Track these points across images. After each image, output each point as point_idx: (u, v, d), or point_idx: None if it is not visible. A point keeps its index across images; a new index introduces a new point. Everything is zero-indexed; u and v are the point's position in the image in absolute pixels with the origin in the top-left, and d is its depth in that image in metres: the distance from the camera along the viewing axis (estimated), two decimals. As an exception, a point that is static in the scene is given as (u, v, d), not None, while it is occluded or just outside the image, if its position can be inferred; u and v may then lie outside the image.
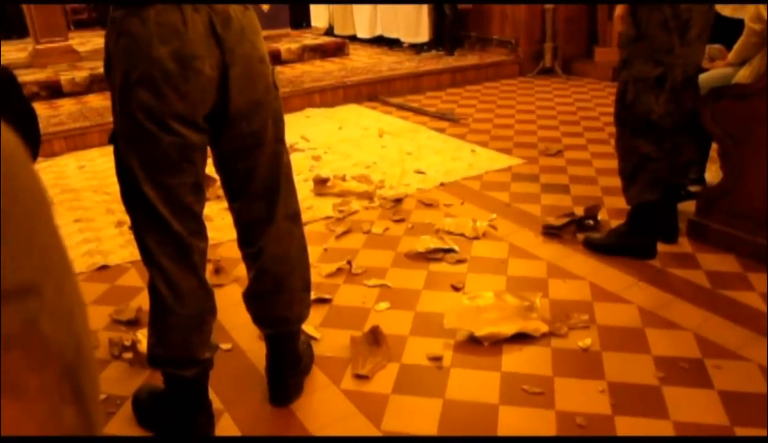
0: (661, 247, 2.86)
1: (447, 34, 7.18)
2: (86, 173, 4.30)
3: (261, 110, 1.76)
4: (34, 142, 1.44)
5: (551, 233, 3.08)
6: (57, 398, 0.32)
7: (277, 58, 7.00)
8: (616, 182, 3.08)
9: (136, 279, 2.84)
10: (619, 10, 2.75)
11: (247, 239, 1.95)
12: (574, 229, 3.09)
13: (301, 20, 9.14)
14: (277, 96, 1.82)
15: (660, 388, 2.03)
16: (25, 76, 5.75)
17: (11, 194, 0.31)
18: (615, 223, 3.07)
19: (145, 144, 1.67)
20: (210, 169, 1.89)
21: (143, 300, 2.54)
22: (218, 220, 3.32)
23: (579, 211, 3.24)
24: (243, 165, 1.82)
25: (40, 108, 5.42)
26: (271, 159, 1.84)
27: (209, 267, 2.88)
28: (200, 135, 1.72)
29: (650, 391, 2.03)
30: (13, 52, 7.19)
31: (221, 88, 1.68)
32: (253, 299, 2.02)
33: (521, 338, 2.29)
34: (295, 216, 1.98)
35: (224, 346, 2.35)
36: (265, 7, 7.52)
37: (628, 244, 2.85)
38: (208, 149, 1.80)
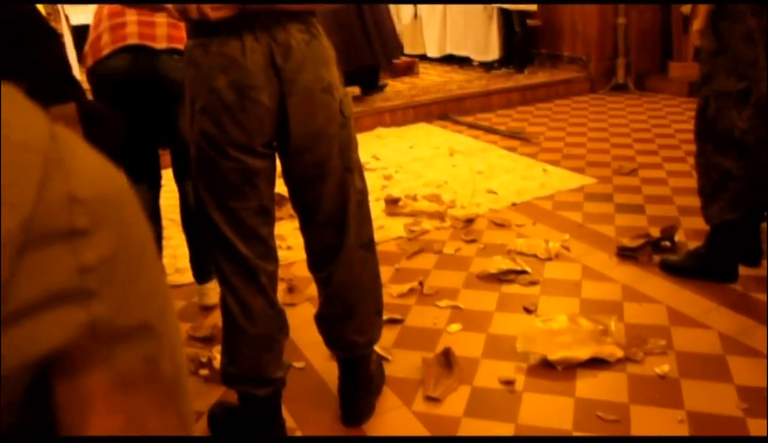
0: (742, 270, 2.75)
1: (517, 51, 7.14)
2: (164, 191, 4.40)
3: (324, 140, 1.77)
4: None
5: (626, 254, 3.01)
6: (172, 432, 0.34)
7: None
8: (693, 201, 3.00)
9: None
10: (697, 24, 2.68)
11: (316, 264, 1.98)
12: (650, 250, 3.01)
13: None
14: (345, 124, 1.81)
15: (744, 420, 1.96)
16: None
17: (122, 238, 0.33)
18: (693, 244, 2.98)
19: (209, 169, 1.73)
20: (283, 188, 1.93)
21: (219, 317, 2.60)
22: (291, 239, 3.38)
23: (655, 232, 3.16)
24: (308, 194, 1.84)
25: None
26: (338, 189, 1.84)
27: (282, 286, 2.94)
28: (262, 161, 1.75)
29: (733, 423, 1.95)
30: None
31: (281, 118, 1.71)
32: (323, 322, 2.05)
33: (596, 363, 2.25)
34: (369, 244, 1.98)
35: (297, 364, 2.39)
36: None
37: (707, 266, 2.76)
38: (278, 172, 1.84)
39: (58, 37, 1.46)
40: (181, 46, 2.50)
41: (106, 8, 2.55)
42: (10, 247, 0.27)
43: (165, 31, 2.49)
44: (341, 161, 1.83)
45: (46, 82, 1.46)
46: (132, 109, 2.44)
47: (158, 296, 0.36)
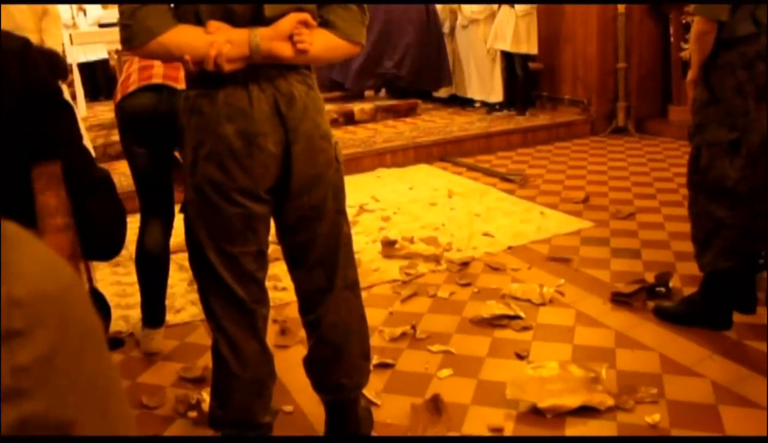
0: (737, 317, 2.74)
1: (518, 94, 7.21)
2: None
3: (321, 184, 1.82)
4: (119, 238, 1.55)
5: (620, 300, 3.01)
6: None
7: (350, 119, 7.17)
8: (689, 247, 2.98)
9: (205, 337, 2.91)
10: (691, 74, 2.71)
11: (306, 308, 1.99)
12: (645, 296, 3.00)
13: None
14: (338, 169, 1.87)
15: (734, 471, 1.94)
16: (115, 136, 6.04)
17: (61, 335, 0.34)
18: (688, 290, 2.97)
19: (211, 214, 1.75)
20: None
21: (210, 359, 2.60)
22: (286, 280, 3.35)
23: (650, 277, 3.16)
24: (303, 236, 1.87)
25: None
26: (330, 231, 1.89)
27: (275, 328, 2.94)
28: (263, 206, 1.79)
29: (723, 474, 1.93)
30: (107, 112, 7.56)
31: (284, 164, 1.76)
32: (312, 365, 2.05)
33: (586, 411, 2.23)
34: (353, 286, 2.01)
35: (286, 408, 2.38)
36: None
37: (701, 313, 2.75)
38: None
39: (71, 110, 1.49)
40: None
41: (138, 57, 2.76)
42: None
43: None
44: (334, 203, 1.88)
45: (54, 151, 1.48)
46: (154, 143, 2.65)
47: (96, 387, 0.37)
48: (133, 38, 1.61)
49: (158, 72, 2.69)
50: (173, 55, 1.63)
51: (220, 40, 1.60)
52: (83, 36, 7.69)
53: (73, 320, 0.35)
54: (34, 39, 3.59)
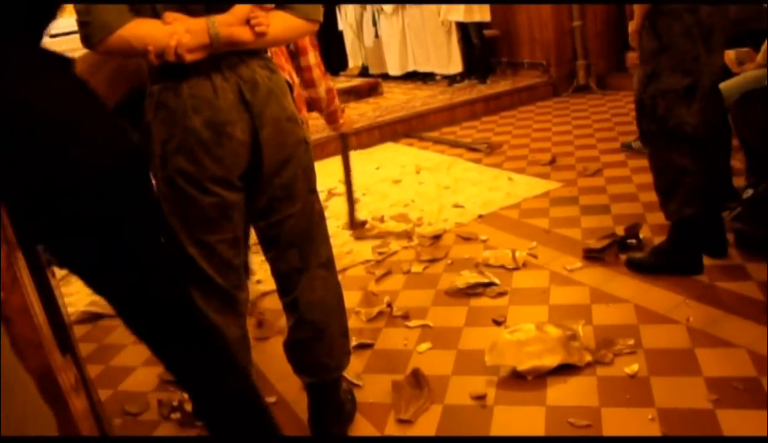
0: (708, 260, 2.77)
1: (477, 62, 7.20)
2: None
3: (291, 164, 1.82)
4: None
5: (593, 256, 3.02)
6: None
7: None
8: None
9: (183, 339, 2.88)
10: (633, 25, 2.71)
11: (284, 289, 2.00)
12: (617, 250, 3.02)
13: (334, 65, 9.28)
14: (307, 150, 1.88)
15: (714, 412, 1.96)
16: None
17: None
18: (658, 240, 2.99)
19: (186, 206, 1.75)
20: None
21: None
22: (261, 273, 3.36)
23: (621, 231, 3.17)
24: (275, 217, 1.87)
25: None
26: (303, 209, 1.90)
27: (252, 321, 2.92)
28: (236, 194, 1.79)
29: (703, 415, 1.95)
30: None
31: (254, 150, 1.75)
32: (293, 347, 2.05)
33: (565, 369, 2.24)
34: (328, 263, 2.02)
35: (269, 399, 2.37)
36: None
37: (672, 261, 2.77)
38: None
39: None
40: None
41: None
42: None
43: None
44: (305, 183, 1.89)
45: None
46: None
47: None
48: (92, 35, 1.56)
49: None
50: (134, 49, 1.57)
51: (179, 30, 1.57)
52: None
53: None
54: None
